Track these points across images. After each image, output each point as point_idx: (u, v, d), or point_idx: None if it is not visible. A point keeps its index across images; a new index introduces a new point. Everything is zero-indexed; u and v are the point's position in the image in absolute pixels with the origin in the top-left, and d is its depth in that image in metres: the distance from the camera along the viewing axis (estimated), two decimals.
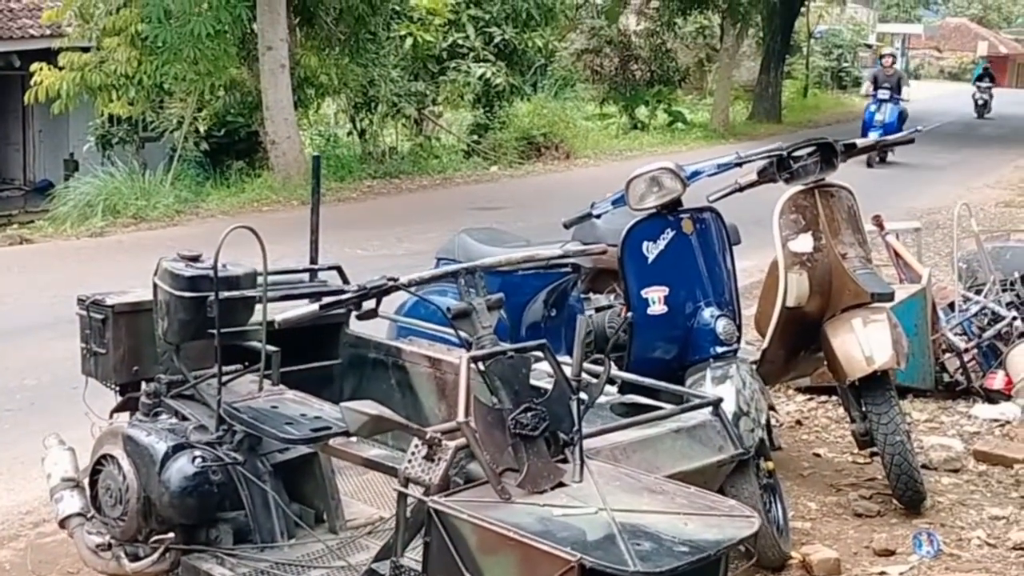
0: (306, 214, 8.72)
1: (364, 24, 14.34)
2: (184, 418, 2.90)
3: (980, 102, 26.51)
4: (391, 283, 2.61)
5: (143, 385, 3.13)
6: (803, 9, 25.46)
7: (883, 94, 16.07)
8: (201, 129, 13.89)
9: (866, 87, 18.32)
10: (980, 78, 27.25)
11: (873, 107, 16.17)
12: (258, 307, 2.87)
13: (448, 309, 2.56)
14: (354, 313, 2.80)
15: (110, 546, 2.82)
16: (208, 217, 11.05)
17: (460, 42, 16.33)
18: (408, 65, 15.74)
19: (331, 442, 2.58)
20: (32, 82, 12.05)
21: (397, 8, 15.16)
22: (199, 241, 9.31)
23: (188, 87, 12.44)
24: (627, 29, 22.96)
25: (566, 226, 4.12)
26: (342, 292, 3.39)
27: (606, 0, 22.53)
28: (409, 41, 15.05)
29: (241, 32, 12.56)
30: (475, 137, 16.87)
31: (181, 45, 11.31)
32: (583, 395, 2.37)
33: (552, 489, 2.14)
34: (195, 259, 2.92)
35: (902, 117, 15.88)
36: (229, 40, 12.04)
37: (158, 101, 13.38)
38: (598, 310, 3.95)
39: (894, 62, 17.68)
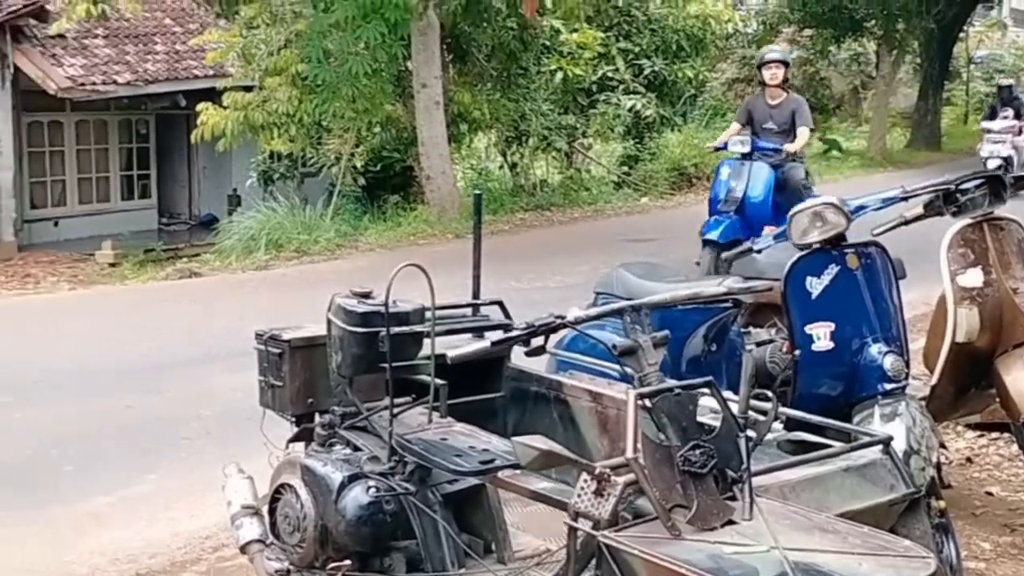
0: (462, 247, 8.92)
1: (515, 60, 14.59)
2: (357, 449, 3.00)
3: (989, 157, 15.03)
4: (559, 321, 2.66)
5: (317, 416, 3.27)
6: (962, 35, 24.63)
7: None
8: (358, 164, 14.32)
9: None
10: (992, 115, 16.39)
11: None
12: (426, 341, 2.97)
13: (614, 346, 2.59)
14: (523, 350, 2.85)
15: (288, 572, 2.94)
16: (367, 251, 11.38)
17: (610, 75, 16.41)
18: (558, 99, 15.91)
19: (500, 474, 2.63)
20: (198, 121, 12.65)
21: (547, 43, 15.37)
22: (360, 274, 9.62)
23: (346, 124, 12.87)
24: None
25: (727, 261, 4.10)
26: (507, 327, 3.47)
27: (757, 29, 22.31)
28: (559, 75, 15.21)
29: (397, 70, 12.93)
30: (625, 168, 16.90)
31: (339, 84, 11.70)
32: (750, 432, 2.36)
33: (722, 527, 2.14)
34: (367, 296, 3.04)
35: None
36: (385, 78, 12.41)
37: (317, 138, 13.87)
38: (759, 344, 3.91)
39: None
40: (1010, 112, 16.06)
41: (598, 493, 2.17)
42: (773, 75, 9.20)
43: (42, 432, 5.22)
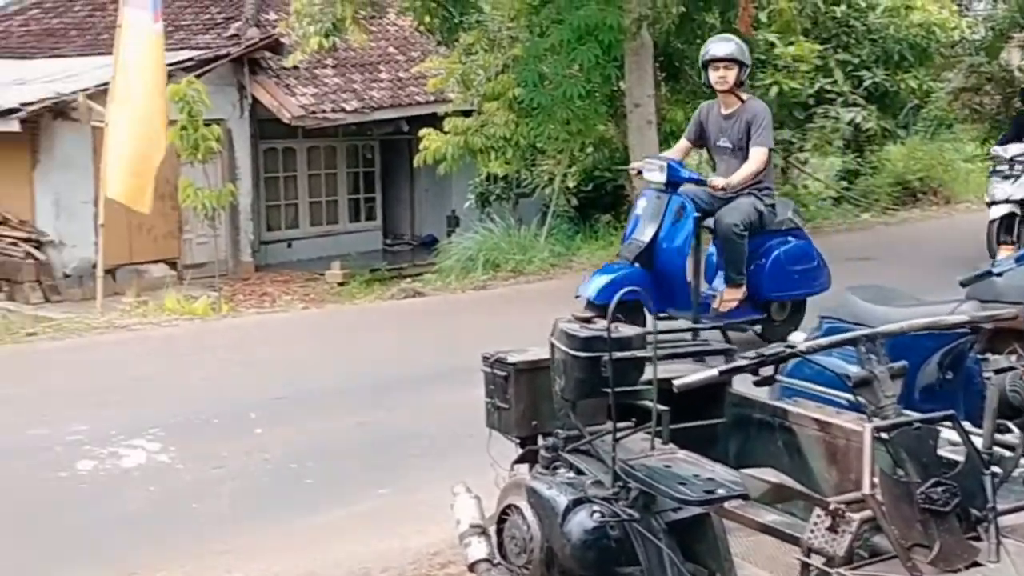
0: None
1: None
2: (581, 472, 3.03)
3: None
4: (790, 350, 2.61)
5: (540, 439, 3.32)
6: None
7: None
8: (571, 185, 14.46)
9: None
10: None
11: None
12: (648, 366, 2.97)
13: (848, 377, 2.53)
14: (752, 379, 2.82)
15: None
16: (580, 270, 11.44)
17: (828, 87, 15.93)
18: (774, 113, 15.58)
19: (726, 504, 2.60)
20: (421, 146, 13.08)
21: (762, 57, 15.09)
22: (573, 294, 9.65)
23: (560, 146, 13.02)
24: (1009, 64, 21.41)
25: (963, 284, 3.92)
26: (728, 352, 3.43)
27: (985, 36, 21.18)
28: (775, 89, 14.90)
29: (610, 91, 13.00)
30: (844, 184, 16.38)
31: (554, 107, 11.85)
32: (996, 468, 2.26)
33: (966, 568, 2.06)
34: (589, 321, 3.08)
35: None
36: (599, 100, 12.50)
37: (531, 160, 14.10)
38: (998, 372, 3.72)
39: None
40: None
41: (832, 529, 2.12)
42: (721, 78, 6.90)
43: (284, 446, 5.51)
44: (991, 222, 9.76)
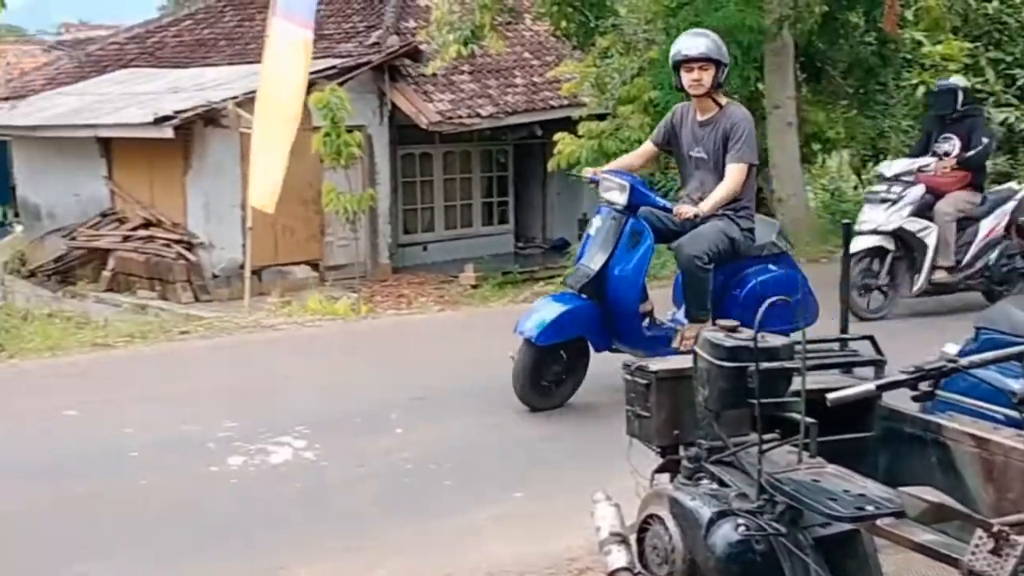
0: (815, 272, 8.69)
1: (873, 76, 14.03)
2: (724, 484, 3.00)
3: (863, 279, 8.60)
4: (951, 365, 2.54)
5: (681, 448, 3.30)
6: None
7: None
8: None
9: None
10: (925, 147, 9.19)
11: None
12: (795, 377, 2.92)
13: (1013, 393, 2.44)
14: (910, 394, 2.74)
15: None
16: None
17: (978, 87, 15.38)
18: (920, 114, 15.11)
19: (879, 522, 2.54)
20: (555, 150, 13.13)
21: (908, 56, 14.66)
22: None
23: None
24: None
25: None
26: (878, 363, 3.35)
27: None
28: (921, 89, 14.45)
29: (749, 92, 12.81)
30: (996, 187, 15.77)
31: None
32: None
33: None
34: (734, 329, 3.04)
35: None
36: (737, 101, 12.33)
37: (665, 162, 13.99)
38: None
39: None
40: (954, 141, 8.77)
41: (996, 552, 2.05)
42: (695, 81, 6.02)
43: (422, 446, 5.62)
44: (850, 256, 6.10)
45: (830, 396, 2.73)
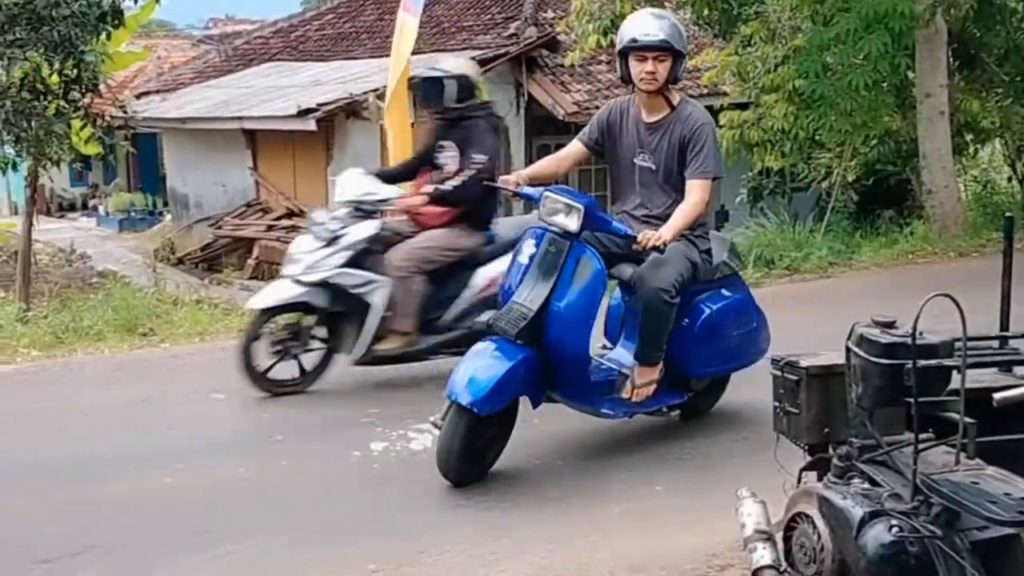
0: (965, 267, 8.33)
1: None
2: (876, 484, 2.92)
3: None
4: None
5: (831, 447, 3.22)
6: None
7: None
8: (850, 179, 13.91)
9: None
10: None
11: None
12: (954, 375, 2.83)
13: None
14: None
15: None
16: (861, 269, 11.01)
17: None
18: None
19: None
20: None
21: None
22: (854, 295, 9.30)
23: (841, 138, 12.56)
24: None
25: None
26: None
27: None
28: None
29: (898, 81, 12.41)
30: None
31: (838, 98, 11.45)
32: None
33: None
34: (890, 325, 2.95)
35: None
36: (886, 90, 11.97)
37: (808, 153, 13.66)
38: None
39: None
40: (452, 151, 6.55)
41: None
42: (649, 74, 4.99)
43: (554, 439, 5.61)
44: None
45: (997, 396, 2.63)
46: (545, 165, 5.42)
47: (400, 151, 11.54)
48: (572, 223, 4.77)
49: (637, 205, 5.26)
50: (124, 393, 6.92)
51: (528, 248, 4.92)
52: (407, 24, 11.80)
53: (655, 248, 4.79)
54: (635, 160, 5.20)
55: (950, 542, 2.68)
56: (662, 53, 4.96)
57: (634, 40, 4.99)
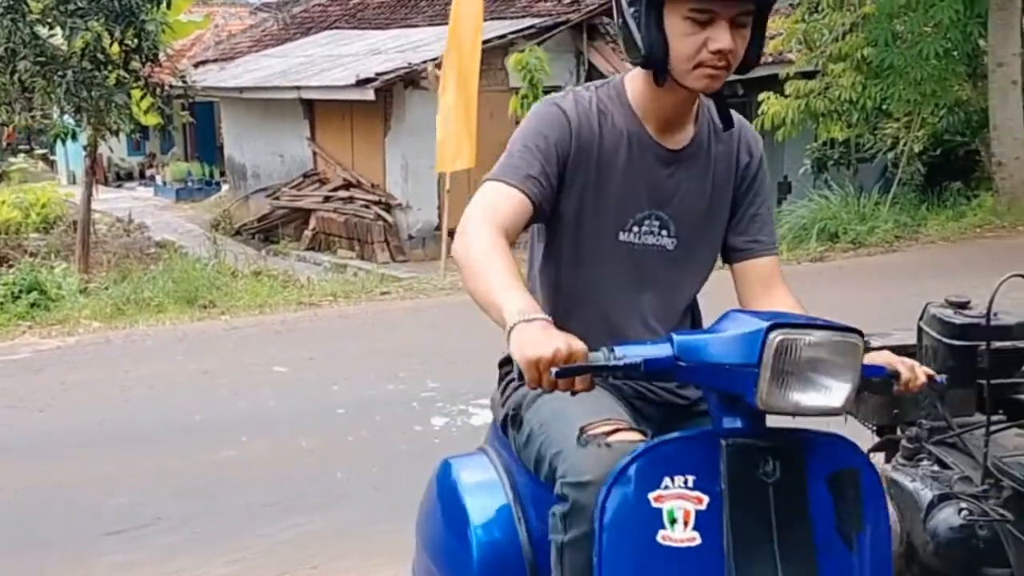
0: None
1: None
2: (946, 466, 2.86)
3: None
4: None
5: (900, 428, 3.16)
6: None
7: None
8: (917, 150, 13.65)
9: None
10: None
11: None
12: None
13: None
14: None
15: None
16: (928, 243, 10.80)
17: None
18: None
19: None
20: (759, 111, 12.77)
21: None
22: (920, 270, 9.11)
23: (910, 108, 12.31)
24: None
25: None
26: None
27: None
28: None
29: (970, 49, 12.12)
30: None
31: (907, 67, 11.22)
32: None
33: None
34: (963, 305, 2.89)
35: None
36: (957, 59, 11.71)
37: (874, 123, 13.42)
38: None
39: None
40: None
41: None
42: (716, 57, 2.06)
43: None
44: None
45: None
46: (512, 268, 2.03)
47: (465, 122, 11.47)
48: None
49: (636, 321, 2.30)
50: (186, 366, 7.01)
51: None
52: None
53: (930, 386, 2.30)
54: (631, 232, 2.26)
55: (1020, 526, 2.62)
56: (748, 9, 2.10)
57: None
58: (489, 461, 2.56)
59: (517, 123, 10.22)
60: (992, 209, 11.86)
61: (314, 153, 16.73)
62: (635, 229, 2.26)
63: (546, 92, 12.29)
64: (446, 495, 2.63)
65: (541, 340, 1.78)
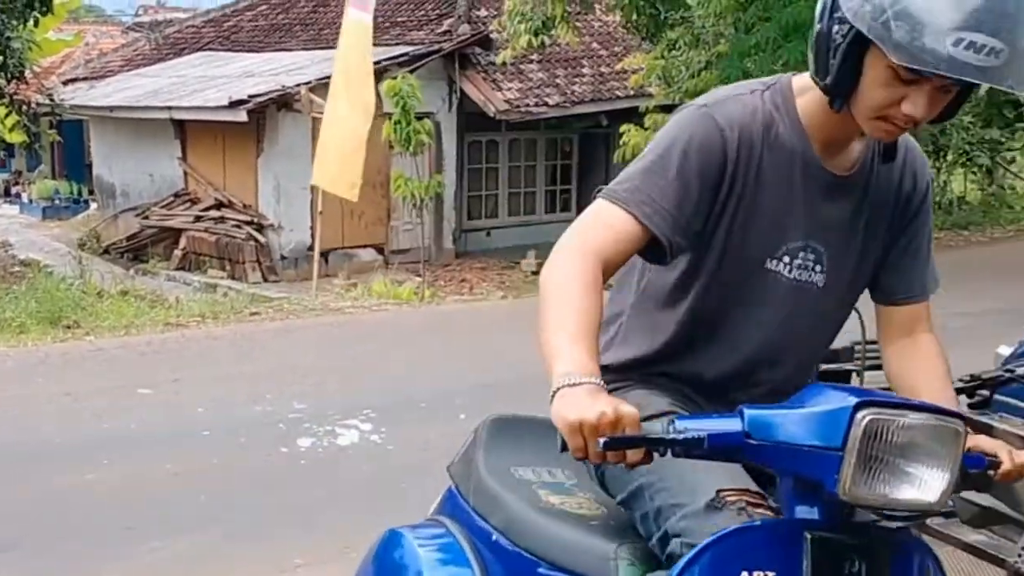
0: None
1: None
2: None
3: None
4: (1007, 375, 2.61)
5: None
6: None
7: None
8: None
9: None
10: None
11: None
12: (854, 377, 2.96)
13: None
14: (966, 401, 2.78)
15: None
16: None
17: None
18: (981, 111, 14.96)
19: (930, 522, 2.58)
20: (621, 141, 13.19)
21: None
22: None
23: None
24: None
25: None
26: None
27: None
28: (984, 87, 14.28)
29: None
30: None
31: None
32: None
33: None
34: None
35: None
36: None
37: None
38: None
39: None
40: None
41: None
42: (907, 120, 1.78)
43: None
44: None
45: None
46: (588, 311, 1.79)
47: (348, 150, 11.57)
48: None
49: (759, 361, 2.05)
50: (48, 388, 6.92)
51: None
52: (361, 21, 11.86)
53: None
54: (781, 262, 1.99)
55: None
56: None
57: (963, 41, 1.68)
58: (449, 533, 2.32)
59: (390, 147, 10.21)
60: None
61: (185, 173, 16.51)
62: (786, 259, 1.96)
63: (418, 118, 12.47)
64: (396, 571, 2.35)
65: (585, 404, 1.59)
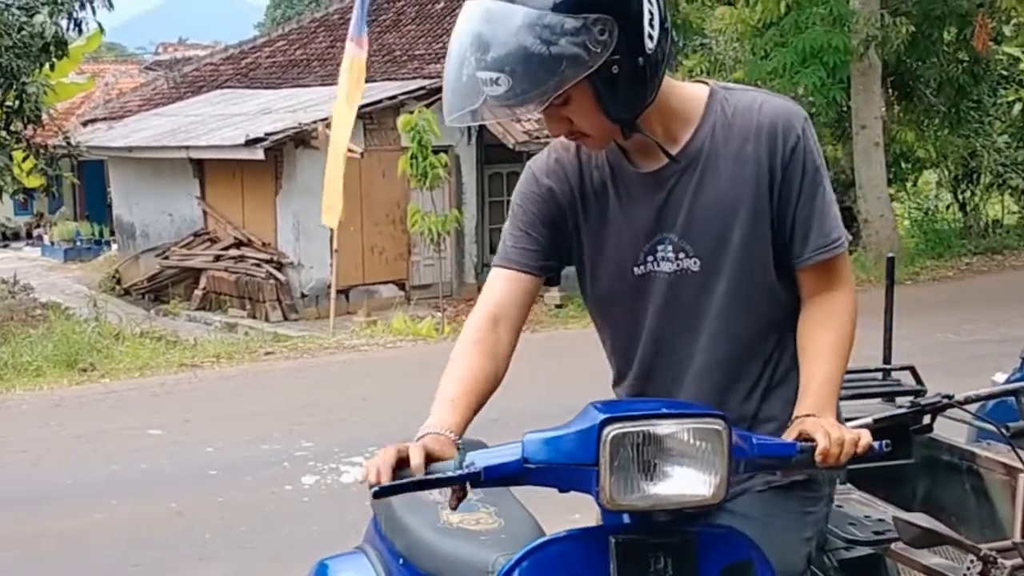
0: (906, 293, 8.42)
1: (966, 93, 13.81)
2: None
3: None
4: (946, 401, 2.59)
5: None
6: None
7: None
8: None
9: None
10: None
11: None
12: None
13: (1006, 427, 2.49)
14: (911, 427, 2.79)
15: None
16: None
17: None
18: (1016, 132, 14.83)
19: (893, 546, 2.59)
20: None
21: (1005, 73, 14.39)
22: None
23: None
24: None
25: None
26: (918, 392, 3.37)
27: None
28: (1018, 107, 14.18)
29: (837, 112, 12.74)
30: None
31: None
32: None
33: None
34: None
35: None
36: (822, 122, 12.29)
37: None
38: None
39: None
40: None
41: (984, 574, 2.11)
42: (569, 137, 1.99)
43: None
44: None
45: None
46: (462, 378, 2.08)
47: (332, 175, 11.76)
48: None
49: (663, 351, 2.10)
50: (60, 431, 6.97)
51: None
52: (354, 57, 12.05)
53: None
54: (645, 264, 2.03)
55: (819, 562, 2.82)
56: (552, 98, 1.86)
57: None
58: (368, 561, 2.39)
59: (407, 182, 10.28)
60: (862, 264, 12.40)
61: (204, 212, 16.67)
62: (650, 259, 2.01)
63: (436, 152, 12.54)
64: None
65: (386, 451, 1.73)
